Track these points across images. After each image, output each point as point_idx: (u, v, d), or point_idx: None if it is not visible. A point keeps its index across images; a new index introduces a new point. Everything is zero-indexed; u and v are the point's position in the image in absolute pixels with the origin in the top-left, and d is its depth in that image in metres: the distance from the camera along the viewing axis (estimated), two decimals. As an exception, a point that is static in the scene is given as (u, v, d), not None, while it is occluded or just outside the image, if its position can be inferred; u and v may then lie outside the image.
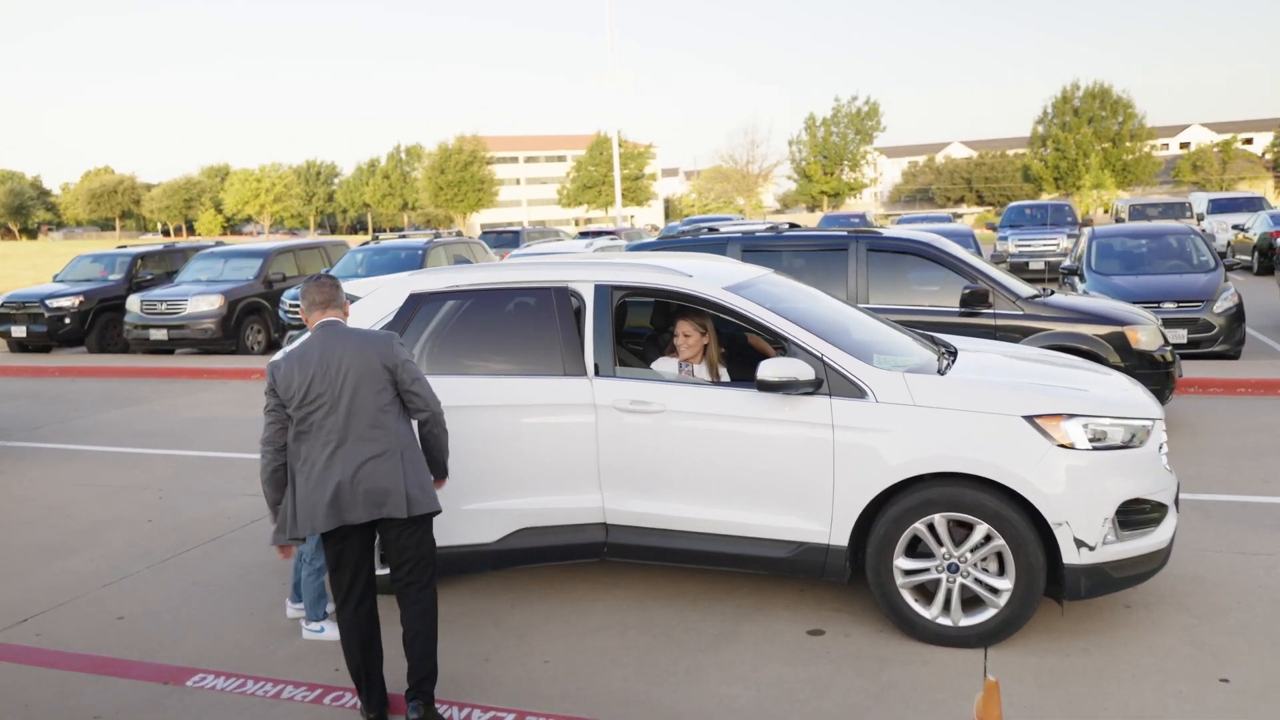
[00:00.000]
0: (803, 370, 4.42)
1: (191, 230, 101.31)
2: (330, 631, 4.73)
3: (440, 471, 4.08)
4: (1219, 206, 27.58)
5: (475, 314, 5.11)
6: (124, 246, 18.08)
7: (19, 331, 16.07)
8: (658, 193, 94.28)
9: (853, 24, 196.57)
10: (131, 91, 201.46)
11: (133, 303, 15.52)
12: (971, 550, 4.33)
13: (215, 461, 8.54)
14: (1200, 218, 25.61)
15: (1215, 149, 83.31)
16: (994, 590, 4.32)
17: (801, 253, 8.39)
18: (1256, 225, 23.12)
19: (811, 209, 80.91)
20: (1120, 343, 7.81)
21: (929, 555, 4.42)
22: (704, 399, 4.67)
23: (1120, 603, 4.78)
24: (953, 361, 4.94)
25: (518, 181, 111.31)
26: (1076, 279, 12.54)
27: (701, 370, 5.07)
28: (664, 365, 5.12)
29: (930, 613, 4.41)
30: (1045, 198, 64.25)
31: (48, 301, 15.92)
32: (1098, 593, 4.30)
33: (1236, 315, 11.27)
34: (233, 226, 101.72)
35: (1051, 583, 4.34)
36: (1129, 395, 4.67)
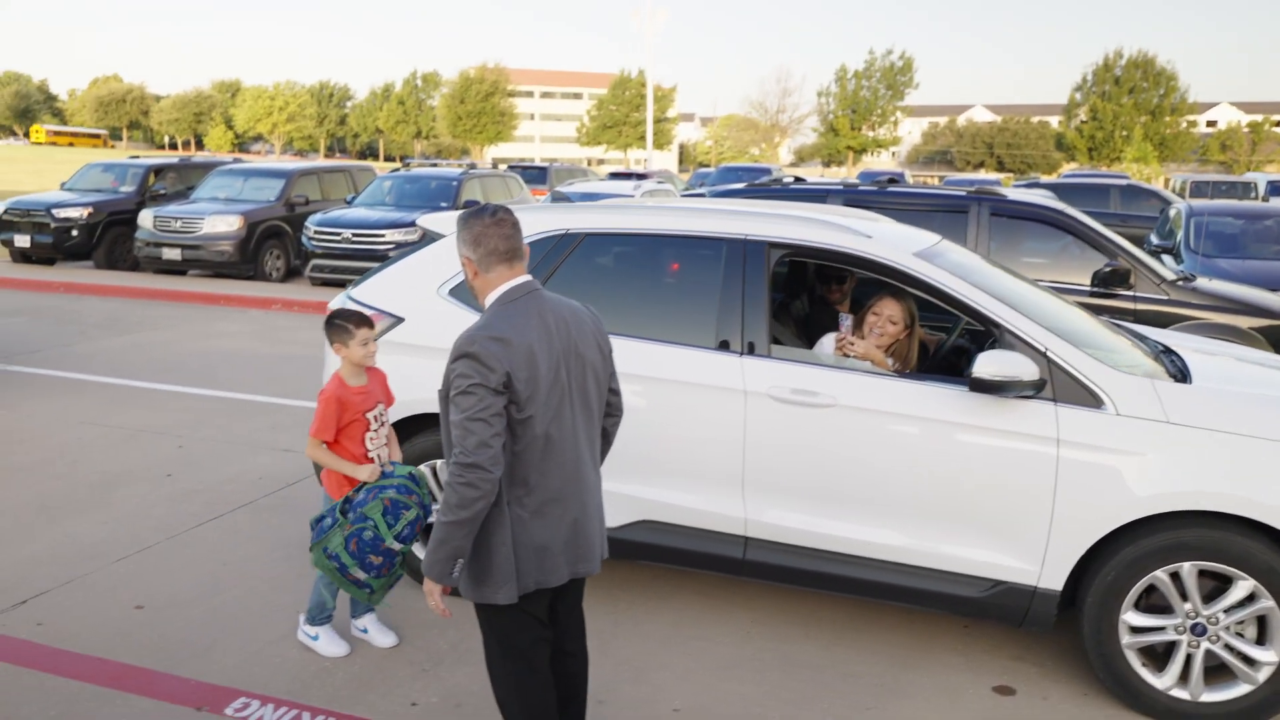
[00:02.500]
0: (1026, 368, 3.46)
1: (200, 145, 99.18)
2: (327, 644, 3.84)
3: None
4: (1278, 189, 26.37)
5: (623, 262, 4.16)
6: (136, 157, 16.95)
7: (22, 241, 15.01)
8: (678, 135, 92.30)
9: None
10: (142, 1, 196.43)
11: (145, 218, 14.45)
12: (1225, 611, 3.41)
13: (239, 405, 7.60)
14: (1265, 199, 24.40)
15: (1246, 129, 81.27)
16: (1250, 661, 3.41)
17: (913, 213, 7.34)
18: (1326, 211, 21.95)
19: (827, 164, 79.08)
20: (1280, 339, 6.84)
21: (1165, 610, 3.51)
22: (888, 394, 3.71)
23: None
24: (1183, 365, 3.98)
25: (531, 117, 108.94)
26: (1170, 258, 11.54)
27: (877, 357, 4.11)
28: (828, 346, 4.16)
29: (1162, 682, 3.51)
30: (1070, 167, 62.62)
31: (54, 211, 14.83)
32: (1385, 674, 3.40)
33: (1355, 310, 10.30)
34: (241, 144, 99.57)
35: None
36: None
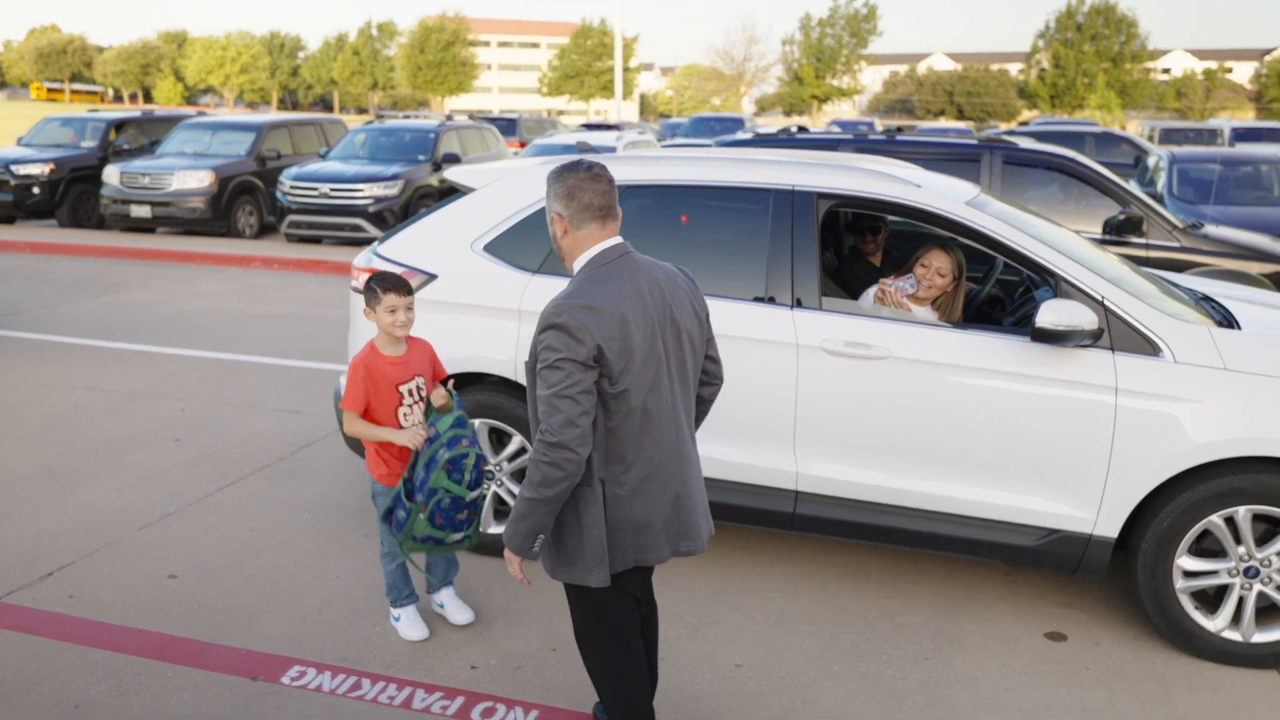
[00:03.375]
0: (1085, 317, 3.45)
1: (149, 98, 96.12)
2: (406, 626, 3.68)
3: None
4: (1241, 136, 26.67)
5: (666, 215, 4.05)
6: (95, 110, 16.36)
7: (-20, 200, 14.48)
8: (639, 84, 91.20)
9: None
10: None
11: (111, 174, 13.96)
12: (1279, 553, 3.46)
13: (233, 366, 7.42)
14: (1231, 145, 24.68)
15: (1201, 76, 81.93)
16: (1302, 603, 3.48)
17: (924, 161, 7.28)
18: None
19: (788, 113, 78.54)
20: (1287, 285, 6.92)
21: (1218, 554, 3.55)
22: (944, 345, 3.68)
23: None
24: (1227, 312, 3.99)
25: (489, 67, 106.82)
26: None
27: (924, 312, 4.07)
28: (872, 300, 4.12)
29: (1215, 624, 3.56)
30: (1032, 115, 62.87)
31: (13, 168, 14.27)
32: None
33: (1336, 255, 10.47)
34: (190, 98, 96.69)
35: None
36: None
